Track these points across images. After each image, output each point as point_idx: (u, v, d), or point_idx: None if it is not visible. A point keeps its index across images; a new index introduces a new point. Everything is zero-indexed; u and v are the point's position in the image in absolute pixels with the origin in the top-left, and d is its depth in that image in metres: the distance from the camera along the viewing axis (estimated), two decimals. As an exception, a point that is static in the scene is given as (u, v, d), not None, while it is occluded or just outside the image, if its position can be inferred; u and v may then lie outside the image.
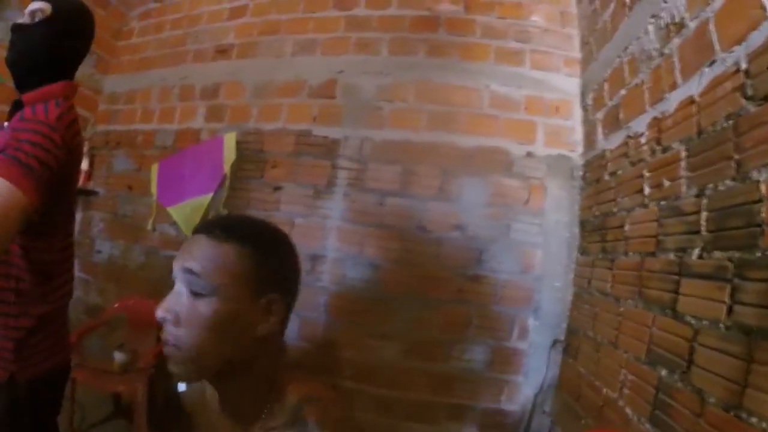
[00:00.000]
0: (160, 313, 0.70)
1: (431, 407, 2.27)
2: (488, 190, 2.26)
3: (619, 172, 1.75)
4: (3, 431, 1.17)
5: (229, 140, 2.62)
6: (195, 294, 0.70)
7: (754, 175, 1.03)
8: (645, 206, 1.53)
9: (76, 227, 3.19)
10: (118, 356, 2.39)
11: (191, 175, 2.70)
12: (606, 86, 1.94)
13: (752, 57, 1.06)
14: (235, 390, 0.76)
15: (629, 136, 1.68)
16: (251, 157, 2.61)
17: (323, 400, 0.76)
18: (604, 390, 1.63)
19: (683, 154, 1.33)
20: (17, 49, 1.25)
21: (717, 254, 1.13)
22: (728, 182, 1.12)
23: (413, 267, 2.30)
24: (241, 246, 0.72)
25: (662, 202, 1.42)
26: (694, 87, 1.29)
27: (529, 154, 2.26)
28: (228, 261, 0.71)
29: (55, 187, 1.12)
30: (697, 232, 1.22)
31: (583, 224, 2.14)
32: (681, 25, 1.37)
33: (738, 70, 1.10)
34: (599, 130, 2.00)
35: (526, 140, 2.27)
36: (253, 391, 0.76)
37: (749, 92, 1.06)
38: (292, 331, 2.34)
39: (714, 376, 1.08)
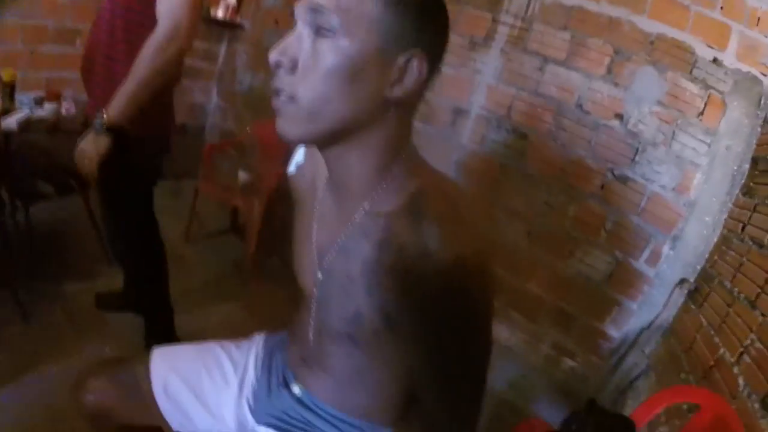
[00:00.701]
0: (274, 55, 0.59)
1: (536, 302, 2.26)
2: (662, 86, 1.90)
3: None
4: (114, 171, 1.44)
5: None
6: (320, 33, 0.57)
7: None
8: None
9: (220, 59, 3.44)
10: (243, 175, 2.66)
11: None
12: None
13: None
14: (348, 162, 0.66)
15: None
16: None
17: (454, 197, 0.64)
18: (722, 350, 1.42)
19: None
20: None
21: None
22: None
23: (561, 147, 2.12)
24: None
25: None
26: None
27: (716, 61, 1.80)
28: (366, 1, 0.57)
29: None
30: None
31: (755, 161, 1.72)
32: None
33: None
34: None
35: (716, 44, 1.80)
36: (367, 164, 0.65)
37: None
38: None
39: None
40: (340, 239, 0.70)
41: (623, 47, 1.95)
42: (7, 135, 2.04)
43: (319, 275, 0.75)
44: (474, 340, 0.64)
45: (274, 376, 0.94)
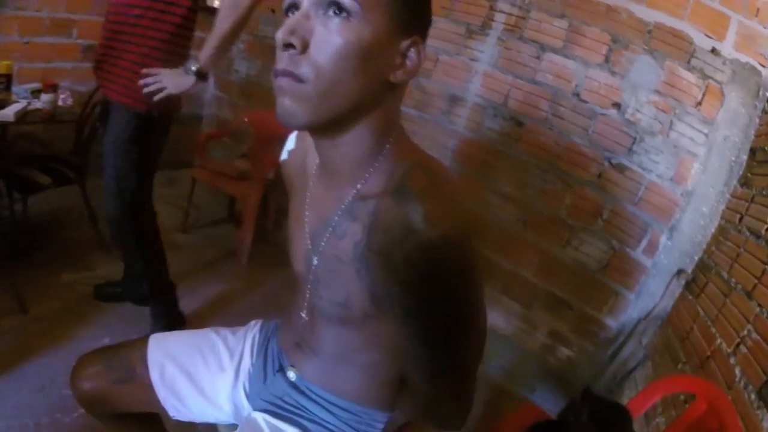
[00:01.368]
0: (283, 35, 0.57)
1: (530, 289, 2.26)
2: (659, 74, 1.90)
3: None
4: (132, 147, 1.62)
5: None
6: (333, 13, 0.57)
7: None
8: None
9: None
10: (239, 163, 2.66)
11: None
12: None
13: None
14: (340, 147, 0.66)
15: None
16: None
17: (437, 173, 0.65)
18: (718, 340, 1.42)
19: None
20: None
21: None
22: None
23: (558, 134, 2.12)
24: None
25: None
26: None
27: (714, 51, 1.80)
28: None
29: None
30: None
31: (753, 152, 1.72)
32: None
33: None
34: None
35: (714, 34, 1.80)
36: (359, 148, 0.66)
37: None
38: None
39: None
40: (332, 223, 0.71)
41: (621, 35, 1.94)
42: (4, 126, 2.03)
43: (313, 260, 0.75)
44: (462, 319, 0.63)
45: (270, 362, 0.94)
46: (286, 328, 0.95)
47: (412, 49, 0.62)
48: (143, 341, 0.96)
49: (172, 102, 1.62)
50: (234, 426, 0.97)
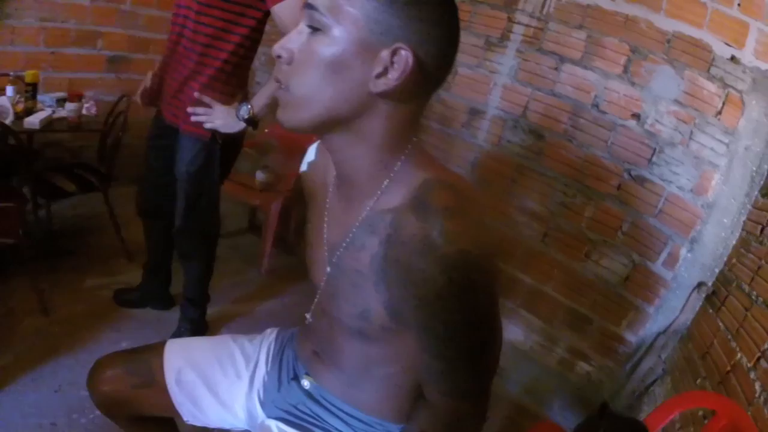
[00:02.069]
0: (276, 49, 0.64)
1: (550, 304, 2.24)
2: (679, 84, 1.87)
3: None
4: (204, 174, 1.70)
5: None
6: (313, 29, 0.61)
7: None
8: None
9: None
10: (260, 175, 2.70)
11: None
12: None
13: None
14: (350, 156, 0.67)
15: None
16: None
17: (460, 189, 0.64)
18: (739, 355, 1.38)
19: None
20: None
21: None
22: None
23: (578, 147, 2.10)
24: None
25: None
26: None
27: (734, 59, 1.76)
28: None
29: None
30: None
31: (776, 162, 1.68)
32: None
33: None
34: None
35: (734, 42, 1.76)
36: (369, 158, 0.66)
37: None
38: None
39: None
40: (350, 235, 0.71)
41: (640, 46, 1.92)
42: (30, 134, 2.09)
43: (329, 271, 0.76)
44: (479, 336, 0.64)
45: (285, 371, 0.95)
46: (303, 337, 0.95)
47: (397, 57, 0.59)
48: (161, 346, 0.98)
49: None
50: (248, 432, 0.97)
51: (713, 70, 1.80)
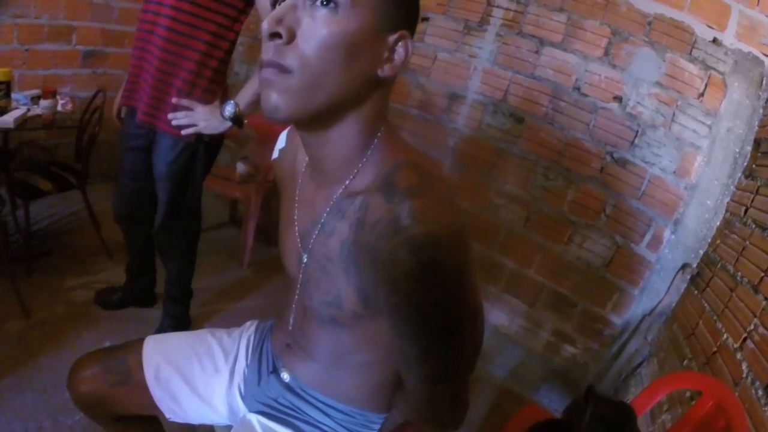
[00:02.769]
0: (269, 24, 0.56)
1: (534, 287, 2.24)
2: (661, 67, 1.87)
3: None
4: (185, 175, 1.64)
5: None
6: (320, 3, 0.56)
7: None
8: None
9: None
10: (240, 167, 2.67)
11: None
12: None
13: None
14: (328, 143, 0.65)
15: None
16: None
17: (425, 169, 0.63)
18: (725, 336, 1.39)
19: None
20: None
21: None
22: None
23: (559, 130, 2.10)
24: None
25: None
26: None
27: (716, 42, 1.77)
28: None
29: None
30: None
31: (758, 143, 1.69)
32: None
33: None
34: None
35: (715, 24, 1.77)
36: (347, 144, 0.65)
37: None
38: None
39: None
40: (321, 221, 0.70)
41: (621, 28, 1.92)
42: (5, 133, 2.04)
43: (303, 259, 0.74)
44: (453, 319, 0.61)
45: (264, 364, 0.93)
46: (278, 330, 0.94)
47: (400, 44, 0.61)
48: (139, 343, 0.96)
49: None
50: (230, 427, 0.96)
51: (695, 53, 1.80)
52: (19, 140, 2.41)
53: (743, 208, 1.60)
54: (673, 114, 1.86)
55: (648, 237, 1.96)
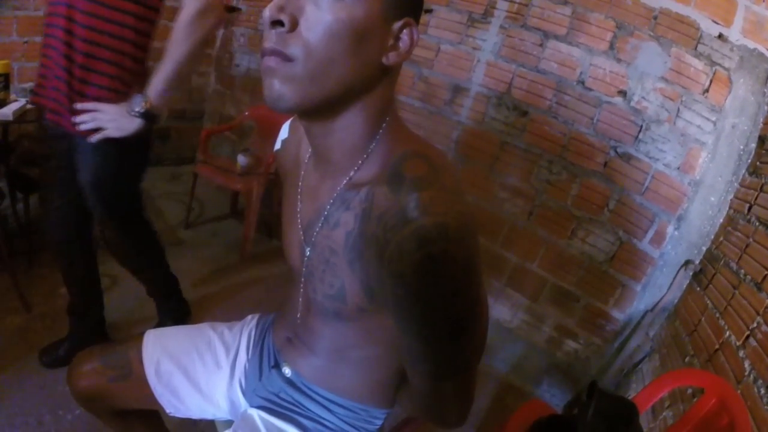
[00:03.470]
0: (272, 12, 0.55)
1: (536, 281, 2.23)
2: (666, 62, 1.85)
3: None
4: (111, 180, 1.41)
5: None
6: None
7: None
8: None
9: (217, 43, 3.44)
10: (241, 159, 2.66)
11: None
12: None
13: None
14: (332, 133, 0.64)
15: None
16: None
17: (432, 159, 0.62)
18: (727, 333, 1.39)
19: None
20: None
21: None
22: None
23: (563, 124, 2.08)
24: None
25: None
26: None
27: (722, 37, 1.75)
28: None
29: None
30: None
31: (762, 140, 1.68)
32: None
33: None
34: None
35: (721, 20, 1.75)
36: (351, 134, 0.64)
37: None
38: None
39: None
40: (325, 213, 0.69)
41: (626, 22, 1.90)
42: (4, 125, 2.03)
43: (306, 251, 0.73)
44: (460, 314, 0.59)
45: (266, 358, 0.93)
46: (279, 323, 0.93)
47: (405, 31, 0.60)
48: (139, 337, 0.96)
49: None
50: (231, 422, 0.95)
51: (700, 48, 1.78)
52: (19, 133, 2.40)
53: (747, 205, 1.59)
54: (678, 109, 1.85)
55: (651, 233, 1.95)
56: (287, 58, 0.56)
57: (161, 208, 2.15)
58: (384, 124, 0.65)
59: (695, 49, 1.79)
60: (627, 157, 1.96)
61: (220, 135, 3.37)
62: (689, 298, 1.76)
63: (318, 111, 0.62)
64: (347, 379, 0.82)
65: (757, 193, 1.56)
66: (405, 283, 0.56)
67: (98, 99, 1.29)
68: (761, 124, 1.70)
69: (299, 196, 0.76)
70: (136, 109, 1.28)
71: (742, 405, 1.14)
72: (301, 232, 0.75)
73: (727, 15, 1.74)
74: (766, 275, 1.31)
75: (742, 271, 1.45)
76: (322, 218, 0.69)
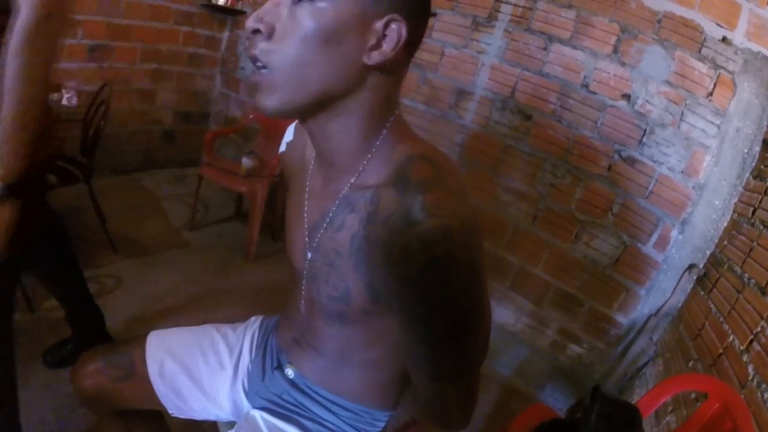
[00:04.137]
0: (251, 22, 0.58)
1: (540, 285, 2.23)
2: (670, 65, 1.85)
3: None
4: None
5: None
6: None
7: None
8: None
9: (223, 46, 3.45)
10: (246, 161, 2.66)
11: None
12: None
13: None
14: (332, 134, 0.64)
15: None
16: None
17: (437, 162, 0.62)
18: (731, 337, 1.38)
19: None
20: None
21: None
22: None
23: (567, 127, 2.08)
24: None
25: None
26: None
27: (725, 40, 1.75)
28: None
29: None
30: None
31: (766, 144, 1.68)
32: None
33: None
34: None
35: (725, 23, 1.75)
36: (351, 135, 0.64)
37: None
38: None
39: None
40: (329, 215, 0.69)
41: (630, 25, 1.90)
42: None
43: (309, 253, 0.74)
44: (464, 317, 0.60)
45: (269, 359, 0.93)
46: (284, 324, 0.93)
47: (392, 28, 0.58)
48: (143, 338, 0.96)
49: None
50: (234, 423, 0.96)
51: (704, 51, 1.78)
52: None
53: (751, 209, 1.59)
54: (682, 113, 1.84)
55: (655, 236, 1.95)
56: (264, 65, 0.59)
57: (166, 210, 2.15)
58: (387, 125, 0.66)
59: (699, 52, 1.79)
60: (631, 161, 1.96)
61: (225, 137, 3.39)
62: (693, 303, 1.76)
63: (305, 114, 0.63)
64: (350, 381, 0.82)
65: (761, 197, 1.55)
66: (410, 285, 0.56)
67: None
68: (765, 128, 1.70)
69: (305, 198, 0.77)
70: None
71: (745, 410, 1.13)
72: (306, 234, 0.75)
73: (731, 18, 1.73)
74: (770, 280, 1.31)
75: (746, 275, 1.45)
76: (327, 220, 0.69)
